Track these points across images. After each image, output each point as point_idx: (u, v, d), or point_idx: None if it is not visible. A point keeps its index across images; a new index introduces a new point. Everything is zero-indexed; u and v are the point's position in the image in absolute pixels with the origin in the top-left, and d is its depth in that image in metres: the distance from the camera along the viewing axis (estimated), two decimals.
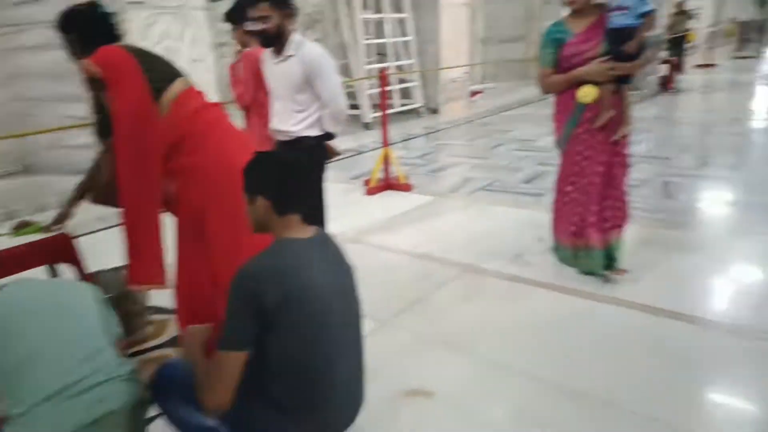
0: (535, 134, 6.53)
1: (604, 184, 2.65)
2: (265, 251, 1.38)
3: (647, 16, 2.43)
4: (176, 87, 1.79)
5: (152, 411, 1.45)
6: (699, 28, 13.14)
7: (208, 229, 1.76)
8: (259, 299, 1.28)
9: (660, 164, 4.93)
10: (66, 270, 2.13)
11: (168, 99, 1.76)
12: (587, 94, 2.48)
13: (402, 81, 8.40)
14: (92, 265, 2.17)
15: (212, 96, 4.38)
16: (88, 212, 2.29)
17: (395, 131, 7.43)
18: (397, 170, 4.68)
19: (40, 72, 5.20)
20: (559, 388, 1.99)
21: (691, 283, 2.73)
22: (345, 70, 7.89)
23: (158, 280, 1.82)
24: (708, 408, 1.91)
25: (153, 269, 1.80)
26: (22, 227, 2.05)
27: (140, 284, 1.85)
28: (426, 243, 3.45)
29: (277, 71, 2.62)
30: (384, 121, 4.69)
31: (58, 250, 2.07)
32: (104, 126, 1.76)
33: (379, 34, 8.15)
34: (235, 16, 2.89)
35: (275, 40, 2.52)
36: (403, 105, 8.27)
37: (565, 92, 2.60)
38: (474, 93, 9.93)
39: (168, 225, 1.84)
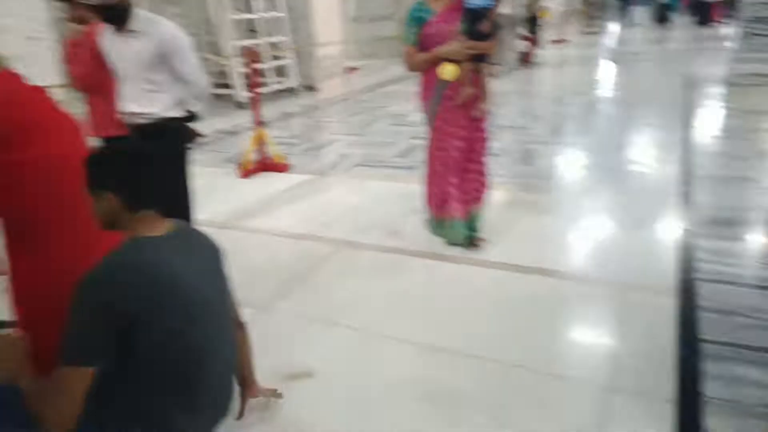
0: (408, 110, 6.71)
1: (464, 158, 2.79)
2: (115, 252, 1.26)
3: None
4: None
5: None
6: (552, 6, 14.30)
7: (43, 233, 1.56)
8: (113, 306, 1.17)
9: (519, 133, 5.35)
10: None
11: None
12: (448, 72, 2.57)
13: (276, 58, 8.12)
14: None
15: (53, 78, 3.89)
16: None
17: (271, 110, 7.19)
18: (273, 150, 4.55)
19: None
20: (435, 350, 2.10)
21: (549, 241, 3.00)
22: (212, 48, 7.45)
23: None
24: (567, 350, 2.10)
25: None
26: None
27: None
28: (304, 222, 3.42)
29: (123, 50, 2.39)
30: (255, 101, 4.51)
31: None
32: None
33: (249, 9, 7.77)
34: None
35: (118, 16, 2.31)
36: (278, 83, 8.02)
37: (428, 70, 2.68)
38: (350, 70, 9.93)
39: None
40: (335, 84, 9.19)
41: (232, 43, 7.31)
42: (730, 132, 4.93)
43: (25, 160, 1.53)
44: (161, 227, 1.33)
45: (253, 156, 4.45)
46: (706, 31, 14.13)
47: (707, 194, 3.43)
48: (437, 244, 2.97)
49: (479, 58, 2.65)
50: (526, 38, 10.33)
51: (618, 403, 1.75)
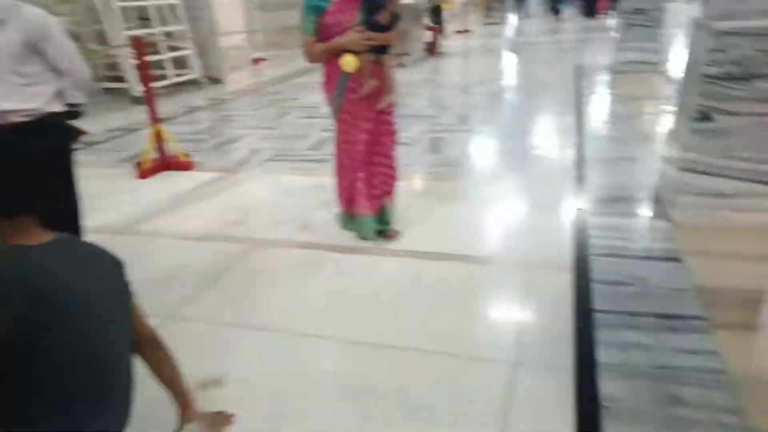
0: (319, 101, 6.54)
1: (370, 152, 2.77)
2: None
3: None
4: None
5: None
6: None
7: None
8: None
9: (427, 123, 5.47)
10: None
11: None
12: (348, 63, 2.54)
13: (174, 49, 7.66)
14: None
15: None
16: None
17: (174, 105, 6.81)
18: (175, 147, 4.30)
19: None
20: (354, 344, 2.10)
21: (459, 227, 3.10)
22: (99, 37, 6.88)
23: None
24: (477, 332, 2.17)
25: None
26: None
27: None
28: (212, 222, 3.28)
29: None
30: (150, 95, 4.22)
31: None
32: None
33: None
34: None
35: None
36: (178, 76, 7.58)
37: (330, 61, 2.63)
38: (257, 61, 9.62)
39: None
40: (242, 76, 8.87)
41: (121, 32, 6.79)
42: (616, 117, 5.37)
43: None
44: (41, 236, 1.20)
45: (152, 154, 4.18)
46: (593, 23, 15.25)
47: (598, 175, 3.71)
48: (350, 236, 2.96)
49: (380, 50, 2.62)
50: (430, 28, 10.57)
51: (523, 377, 1.85)
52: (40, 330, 1.10)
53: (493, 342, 2.08)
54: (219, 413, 1.59)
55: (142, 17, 7.36)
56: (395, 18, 2.63)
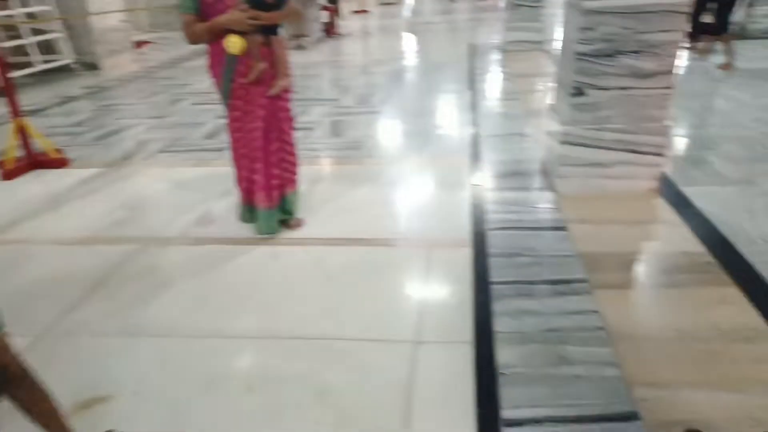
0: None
1: (268, 139, 2.63)
2: None
3: None
4: None
5: None
6: None
7: None
8: None
9: (328, 105, 5.39)
10: None
11: None
12: (233, 44, 2.39)
13: (38, 32, 6.86)
14: None
15: None
16: None
17: (44, 95, 6.13)
18: (43, 143, 3.87)
19: None
20: (259, 338, 2.03)
21: (363, 211, 3.09)
22: None
23: None
24: (382, 314, 2.18)
25: None
26: None
27: None
28: (94, 223, 3.01)
29: None
30: (9, 85, 3.74)
31: None
32: None
33: None
34: None
35: None
36: (46, 62, 6.81)
37: (216, 43, 2.47)
38: (140, 44, 8.90)
39: None
40: (124, 60, 8.17)
41: None
42: (506, 94, 5.63)
43: None
44: None
45: (16, 152, 3.73)
46: (483, 3, 15.81)
47: (493, 151, 3.87)
48: (250, 226, 2.85)
49: (269, 30, 2.50)
50: (326, 8, 10.39)
51: (424, 353, 1.90)
52: None
53: (395, 323, 2.11)
54: None
55: None
56: None
